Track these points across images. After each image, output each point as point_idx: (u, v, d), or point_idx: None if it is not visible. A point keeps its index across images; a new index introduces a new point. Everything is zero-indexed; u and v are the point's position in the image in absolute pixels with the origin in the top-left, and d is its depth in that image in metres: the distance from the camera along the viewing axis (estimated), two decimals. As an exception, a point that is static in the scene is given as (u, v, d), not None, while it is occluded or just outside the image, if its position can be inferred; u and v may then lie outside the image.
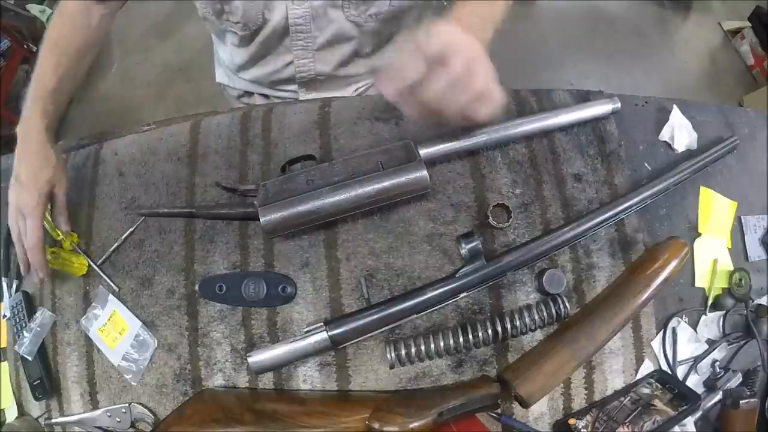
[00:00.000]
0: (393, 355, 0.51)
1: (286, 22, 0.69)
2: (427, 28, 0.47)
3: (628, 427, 0.52)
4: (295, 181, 0.52)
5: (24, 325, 0.59)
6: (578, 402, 0.56)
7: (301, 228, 0.53)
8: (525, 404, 0.51)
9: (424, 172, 0.51)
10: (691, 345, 0.59)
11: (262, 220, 0.50)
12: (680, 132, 0.64)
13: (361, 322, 0.51)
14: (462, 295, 0.53)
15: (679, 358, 0.58)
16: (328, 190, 0.51)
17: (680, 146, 0.64)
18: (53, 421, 0.58)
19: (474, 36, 0.47)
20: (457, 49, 0.43)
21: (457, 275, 0.52)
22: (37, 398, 0.58)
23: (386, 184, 0.51)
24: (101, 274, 0.58)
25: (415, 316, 0.52)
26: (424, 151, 0.54)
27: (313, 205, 0.50)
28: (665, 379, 0.56)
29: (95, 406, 0.57)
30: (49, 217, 0.61)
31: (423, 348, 0.51)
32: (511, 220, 0.57)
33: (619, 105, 0.62)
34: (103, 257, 0.59)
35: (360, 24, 0.72)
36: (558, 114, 0.60)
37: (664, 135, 0.65)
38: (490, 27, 0.53)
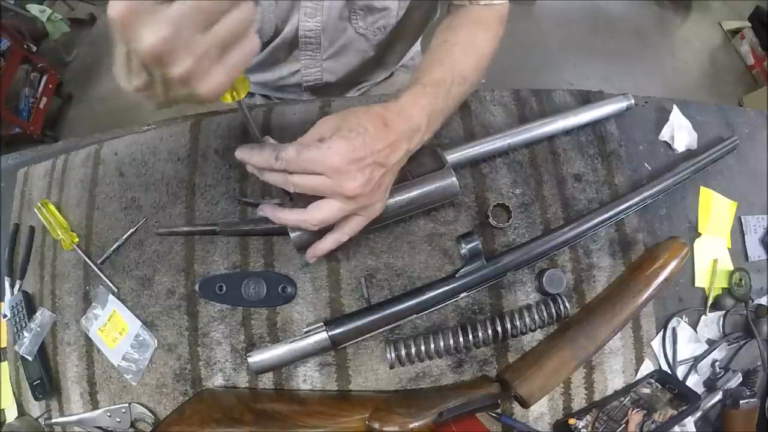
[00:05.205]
0: (393, 355, 0.51)
1: (296, 34, 0.70)
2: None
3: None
4: None
5: (24, 325, 0.59)
6: (578, 402, 0.56)
7: None
8: (525, 404, 0.51)
9: (454, 179, 0.50)
10: (691, 345, 0.59)
11: (292, 235, 0.48)
12: (680, 132, 0.65)
13: (361, 322, 0.51)
14: (462, 295, 0.53)
15: (679, 358, 0.58)
16: None
17: (680, 146, 0.65)
18: (53, 421, 0.58)
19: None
20: (324, 172, 0.42)
21: (457, 275, 0.52)
22: (37, 398, 0.58)
23: (416, 193, 0.49)
24: (100, 274, 0.58)
25: (415, 316, 0.52)
26: (450, 157, 0.53)
27: None
28: (665, 379, 0.56)
29: (95, 406, 0.57)
30: (49, 216, 0.61)
31: (423, 348, 0.51)
32: (511, 220, 0.57)
33: (633, 101, 0.62)
34: (103, 257, 0.59)
35: (368, 37, 0.72)
36: (577, 113, 0.60)
37: (664, 135, 0.65)
38: (421, 136, 0.48)
